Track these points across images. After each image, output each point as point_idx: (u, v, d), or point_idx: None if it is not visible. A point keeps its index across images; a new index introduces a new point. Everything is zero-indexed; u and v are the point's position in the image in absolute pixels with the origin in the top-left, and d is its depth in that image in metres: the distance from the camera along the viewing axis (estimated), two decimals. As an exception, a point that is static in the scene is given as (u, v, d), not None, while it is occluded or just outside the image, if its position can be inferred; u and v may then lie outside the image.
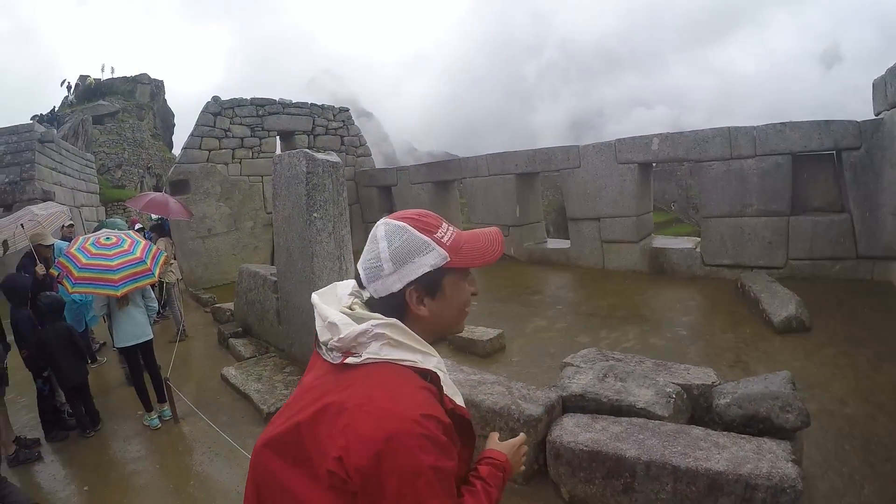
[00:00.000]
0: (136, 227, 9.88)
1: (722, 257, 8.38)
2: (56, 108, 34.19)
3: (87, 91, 37.55)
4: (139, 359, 5.73)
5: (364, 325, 1.27)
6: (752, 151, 7.87)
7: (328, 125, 14.80)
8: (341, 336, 1.27)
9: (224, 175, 12.93)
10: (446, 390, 1.34)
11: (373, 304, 1.38)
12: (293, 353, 6.49)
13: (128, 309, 5.52)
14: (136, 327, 5.60)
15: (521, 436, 1.71)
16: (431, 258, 1.33)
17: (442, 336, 1.51)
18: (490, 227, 1.55)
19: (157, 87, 40.53)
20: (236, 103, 13.29)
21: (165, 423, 5.67)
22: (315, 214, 5.35)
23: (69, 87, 39.10)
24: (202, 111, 12.96)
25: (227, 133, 13.06)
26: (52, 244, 6.42)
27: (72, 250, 5.52)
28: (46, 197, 13.24)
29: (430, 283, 1.34)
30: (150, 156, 33.02)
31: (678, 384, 4.05)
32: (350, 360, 1.27)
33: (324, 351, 1.35)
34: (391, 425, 1.15)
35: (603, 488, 3.37)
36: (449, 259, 1.34)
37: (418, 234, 1.33)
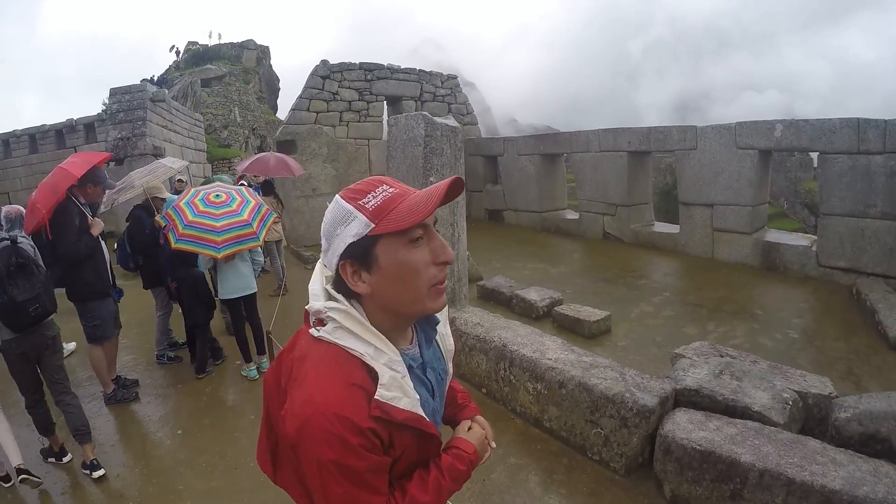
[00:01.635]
0: (241, 183, 10.04)
1: (838, 259, 7.71)
2: (165, 73, 35.65)
3: (195, 56, 39.03)
4: (242, 311, 5.84)
5: (319, 305, 1.30)
6: (882, 147, 7.09)
7: (436, 92, 14.74)
8: (307, 307, 1.34)
9: (331, 137, 13.10)
10: (385, 394, 1.25)
11: (335, 285, 1.35)
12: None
13: (234, 262, 5.58)
14: (240, 280, 5.68)
15: (486, 426, 1.67)
16: (354, 227, 1.25)
17: (408, 317, 1.38)
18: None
19: (262, 53, 41.66)
20: (345, 67, 13.37)
21: (263, 374, 5.67)
22: (431, 178, 5.19)
23: (178, 53, 40.99)
24: (311, 74, 13.12)
25: (336, 96, 13.21)
26: (166, 197, 6.50)
27: (180, 203, 5.52)
28: (157, 153, 13.77)
29: (360, 255, 1.27)
30: (256, 118, 34.02)
31: (794, 390, 3.77)
32: (312, 330, 1.31)
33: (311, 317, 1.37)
34: (307, 412, 1.19)
35: (710, 491, 3.21)
36: (372, 225, 1.24)
37: (344, 203, 1.28)
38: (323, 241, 1.33)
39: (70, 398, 4.33)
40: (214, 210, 5.42)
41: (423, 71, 14.62)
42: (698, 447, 3.22)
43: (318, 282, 1.36)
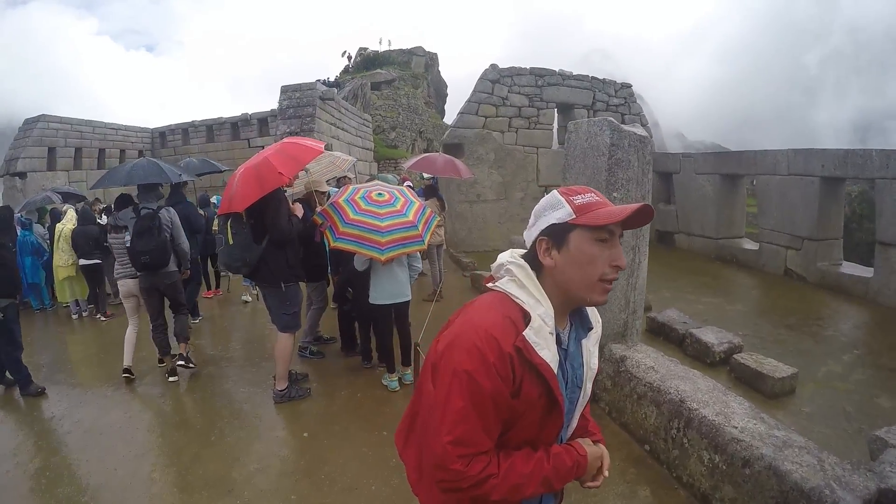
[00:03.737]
0: (406, 184, 9.99)
1: None
2: (337, 76, 37.43)
3: (366, 61, 40.89)
4: (392, 318, 5.55)
5: (502, 259, 1.58)
6: None
7: (608, 101, 14.10)
8: (492, 265, 1.63)
9: (499, 143, 12.93)
10: (531, 336, 1.40)
11: (526, 255, 1.56)
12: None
13: (391, 266, 5.24)
14: (396, 286, 5.37)
15: (607, 455, 1.72)
16: (559, 213, 1.46)
17: (573, 299, 1.52)
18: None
19: (431, 59, 43.07)
20: (515, 72, 13.08)
21: (405, 386, 5.51)
22: (615, 194, 4.61)
23: (349, 58, 43.29)
24: (480, 78, 12.94)
25: (505, 101, 12.97)
26: (328, 191, 6.36)
27: (339, 200, 5.28)
28: (325, 149, 13.96)
29: (556, 236, 1.46)
30: (423, 121, 34.79)
31: None
32: (489, 284, 1.59)
33: None
34: (464, 329, 1.43)
35: None
36: (574, 216, 1.44)
37: (558, 195, 1.49)
38: (531, 218, 1.54)
39: (182, 316, 6.06)
40: (377, 209, 5.17)
41: (596, 78, 14.02)
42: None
43: (505, 254, 1.60)
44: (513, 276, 1.50)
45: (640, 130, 4.79)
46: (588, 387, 1.66)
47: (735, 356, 5.80)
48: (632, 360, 4.61)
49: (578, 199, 1.46)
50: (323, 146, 5.49)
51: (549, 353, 1.43)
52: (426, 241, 5.30)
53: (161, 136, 25.62)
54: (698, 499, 3.69)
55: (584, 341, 1.64)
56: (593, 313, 1.69)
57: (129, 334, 5.96)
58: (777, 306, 8.53)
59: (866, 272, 9.07)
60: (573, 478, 1.59)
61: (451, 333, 1.45)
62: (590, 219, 1.43)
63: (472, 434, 1.38)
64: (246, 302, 9.29)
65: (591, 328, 1.66)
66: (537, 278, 1.50)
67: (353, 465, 4.16)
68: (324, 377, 5.85)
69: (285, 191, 5.21)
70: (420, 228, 5.21)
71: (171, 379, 5.86)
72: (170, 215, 5.83)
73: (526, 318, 1.43)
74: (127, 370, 5.89)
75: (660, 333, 6.85)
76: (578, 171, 5.00)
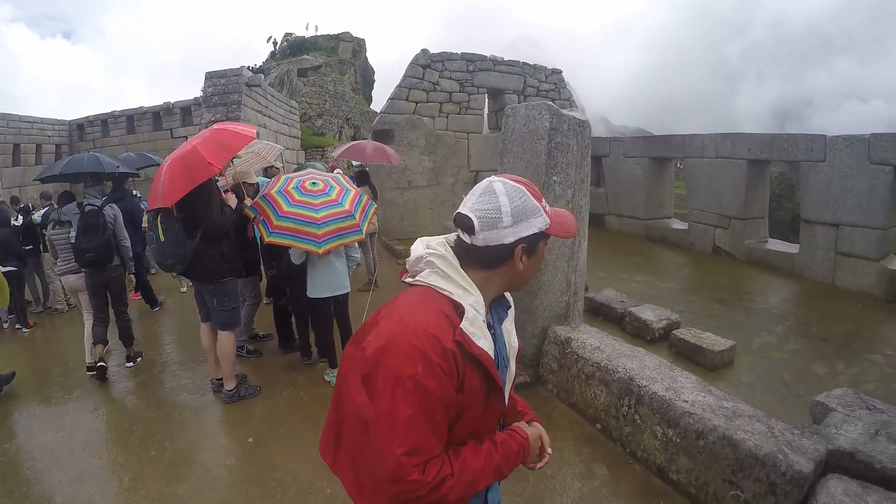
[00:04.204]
0: (336, 171, 9.78)
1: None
2: (263, 63, 36.62)
3: (292, 46, 40.13)
4: (331, 311, 5.38)
5: (421, 252, 1.54)
6: None
7: (539, 86, 14.11)
8: (407, 259, 1.60)
9: (429, 128, 12.79)
10: (468, 327, 1.39)
11: (468, 250, 1.49)
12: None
13: (328, 258, 5.07)
14: (334, 278, 5.18)
15: (545, 433, 1.76)
16: (540, 222, 1.49)
17: (509, 290, 1.64)
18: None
19: (358, 45, 42.50)
20: (446, 57, 12.97)
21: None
22: (555, 178, 4.60)
23: (275, 43, 42.45)
24: (411, 63, 12.77)
25: (436, 86, 12.83)
26: (257, 182, 6.13)
27: (272, 192, 5.04)
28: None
29: (532, 244, 1.50)
30: (350, 108, 34.33)
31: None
32: (406, 278, 1.57)
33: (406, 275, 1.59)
34: (397, 330, 1.38)
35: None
36: (549, 226, 1.51)
37: (532, 199, 1.49)
38: (507, 218, 1.45)
39: (124, 317, 6.08)
40: (312, 199, 4.93)
41: (527, 64, 14.01)
42: (858, 530, 2.61)
43: (421, 244, 1.58)
44: (434, 267, 1.49)
45: (579, 115, 4.79)
46: (513, 364, 1.69)
47: (674, 332, 5.94)
48: (577, 342, 4.64)
49: (546, 206, 1.53)
50: (255, 131, 5.19)
51: (486, 342, 1.44)
52: (364, 231, 5.12)
53: (79, 129, 24.30)
54: (654, 472, 3.76)
55: (505, 322, 1.67)
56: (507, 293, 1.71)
57: (88, 330, 5.91)
58: (708, 283, 8.76)
59: (792, 248, 9.48)
60: (520, 462, 1.62)
61: (383, 337, 1.39)
62: (560, 231, 1.54)
63: (424, 441, 1.34)
64: (183, 291, 9.15)
65: (509, 307, 1.71)
66: (485, 274, 1.51)
67: (305, 468, 3.97)
68: (263, 377, 5.58)
69: (217, 181, 4.93)
70: (357, 217, 5.01)
71: (128, 365, 6.03)
72: (113, 212, 5.84)
73: (457, 309, 1.43)
74: (90, 367, 5.79)
75: (598, 313, 6.92)
76: (516, 156, 4.98)
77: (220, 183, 5.37)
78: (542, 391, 4.94)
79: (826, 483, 2.93)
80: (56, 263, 6.12)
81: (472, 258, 1.49)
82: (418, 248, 1.56)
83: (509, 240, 1.46)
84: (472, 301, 1.45)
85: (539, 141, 4.68)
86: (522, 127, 4.89)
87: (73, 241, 5.62)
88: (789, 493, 2.96)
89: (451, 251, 1.53)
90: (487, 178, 1.52)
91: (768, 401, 4.85)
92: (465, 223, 1.48)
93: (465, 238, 1.49)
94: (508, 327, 1.68)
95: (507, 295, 1.70)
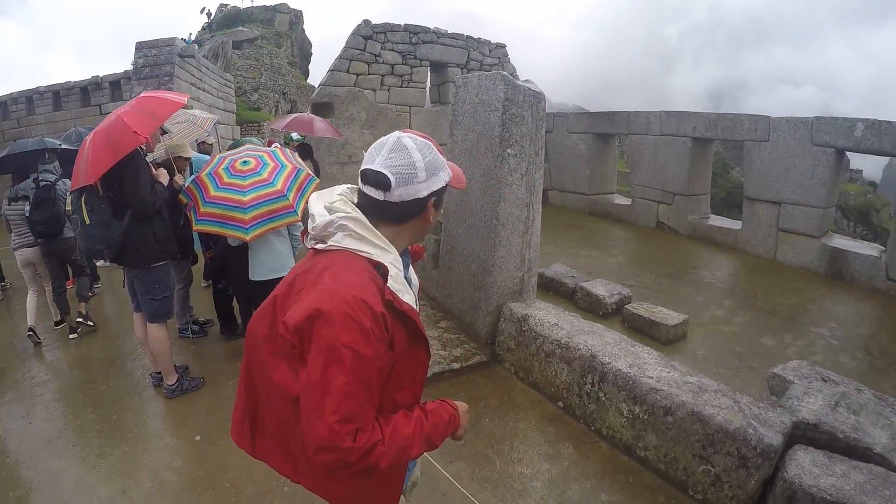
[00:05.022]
0: (274, 146, 9.27)
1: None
2: (197, 35, 35.43)
3: (227, 18, 38.92)
4: None
5: (330, 217, 1.47)
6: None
7: (483, 60, 13.95)
8: (314, 225, 1.51)
9: (371, 101, 12.45)
10: (394, 285, 1.42)
11: (379, 207, 1.47)
12: (449, 305, 5.59)
13: (267, 237, 4.62)
14: (276, 259, 4.75)
15: (466, 406, 1.73)
16: (446, 175, 1.54)
17: (416, 242, 1.68)
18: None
19: (295, 17, 41.48)
20: (389, 28, 12.65)
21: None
22: (509, 150, 4.42)
23: (209, 14, 41.22)
24: (352, 33, 12.41)
25: (378, 58, 12.52)
26: (191, 157, 5.61)
27: (202, 176, 4.57)
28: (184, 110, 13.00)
29: (440, 196, 1.54)
30: (286, 82, 33.47)
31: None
32: (318, 245, 1.50)
33: (308, 238, 1.57)
34: (325, 298, 1.33)
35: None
36: (449, 179, 1.56)
37: (438, 153, 1.52)
38: (421, 173, 1.45)
39: (83, 277, 6.38)
40: (241, 181, 4.45)
41: (471, 37, 13.78)
42: (829, 498, 2.68)
43: (317, 206, 1.54)
44: (348, 230, 1.45)
45: (534, 86, 4.62)
46: (418, 302, 1.70)
47: (627, 307, 5.94)
48: (534, 319, 4.51)
49: (447, 160, 1.58)
50: (186, 98, 4.65)
51: (410, 297, 1.48)
52: (300, 211, 4.57)
53: (2, 107, 22.89)
54: (621, 449, 3.72)
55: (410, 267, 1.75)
56: None
57: (30, 300, 6.10)
58: (655, 257, 8.84)
59: (734, 224, 9.76)
60: (450, 433, 1.62)
61: (310, 307, 1.34)
62: (457, 183, 1.62)
63: (358, 409, 1.33)
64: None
65: (408, 253, 1.79)
66: (397, 229, 1.52)
67: (259, 466, 3.38)
68: (206, 366, 5.12)
69: (145, 154, 4.43)
70: (291, 198, 4.52)
71: (71, 336, 5.94)
72: (66, 186, 5.76)
73: (378, 268, 1.43)
74: (31, 330, 5.87)
75: (549, 288, 6.83)
76: (468, 128, 4.80)
77: (151, 157, 4.93)
78: (500, 370, 4.80)
79: (794, 454, 2.97)
80: (12, 239, 6.11)
81: (385, 214, 1.48)
82: (320, 209, 1.53)
83: (423, 194, 1.47)
84: (392, 259, 1.46)
85: (493, 112, 4.50)
86: (475, 98, 4.71)
87: (27, 214, 5.71)
88: (760, 466, 2.99)
89: (358, 209, 1.50)
90: (393, 134, 1.50)
91: (724, 373, 4.89)
92: (379, 180, 1.44)
93: (377, 195, 1.45)
94: (410, 274, 1.74)
95: None
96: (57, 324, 6.16)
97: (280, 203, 4.45)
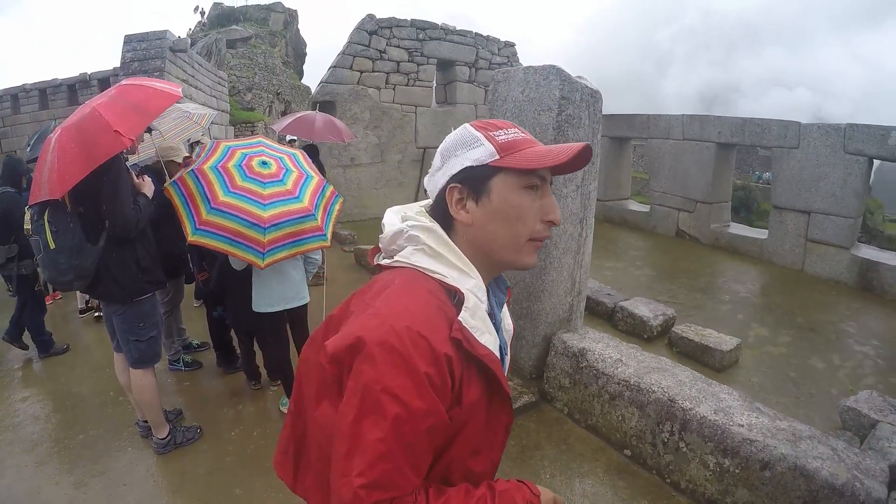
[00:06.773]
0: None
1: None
2: (190, 34, 35.18)
3: (221, 16, 38.80)
4: (285, 327, 4.10)
5: (399, 226, 1.16)
6: None
7: (492, 59, 13.34)
8: (381, 236, 1.22)
9: (375, 100, 11.88)
10: (469, 320, 1.04)
11: (432, 209, 1.19)
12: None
13: (281, 263, 3.64)
14: (287, 287, 3.89)
15: (560, 500, 1.24)
16: (478, 153, 1.10)
17: (496, 262, 1.16)
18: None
19: (290, 16, 41.27)
20: (395, 23, 12.03)
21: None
22: (565, 159, 3.89)
23: (202, 13, 40.56)
24: (356, 28, 11.78)
25: (383, 55, 11.90)
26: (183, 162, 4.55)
27: (205, 167, 3.51)
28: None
29: (473, 182, 1.11)
30: (281, 82, 33.12)
31: None
32: (383, 260, 1.20)
33: (378, 256, 1.24)
34: (372, 325, 0.98)
35: None
36: (497, 157, 1.09)
37: (473, 130, 1.13)
38: (437, 159, 1.18)
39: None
40: (259, 187, 3.44)
41: (480, 35, 13.21)
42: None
43: (390, 216, 1.22)
44: (419, 244, 1.12)
45: (589, 82, 4.05)
46: (509, 354, 1.36)
47: (674, 329, 5.52)
48: (594, 354, 3.94)
49: (501, 136, 1.12)
50: (180, 90, 3.54)
51: (490, 338, 1.10)
52: (329, 235, 3.67)
53: (-13, 106, 22.17)
54: None
55: (504, 306, 1.34)
56: None
57: None
58: (681, 268, 8.43)
59: (760, 234, 9.40)
60: None
61: (352, 335, 0.99)
62: (519, 160, 1.09)
63: (394, 475, 0.95)
64: None
65: (508, 286, 1.35)
66: (466, 248, 1.16)
67: None
68: (203, 410, 4.32)
69: (126, 158, 3.54)
70: (319, 217, 3.58)
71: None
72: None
73: (453, 296, 1.08)
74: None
75: (586, 308, 6.26)
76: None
77: (133, 161, 4.14)
78: (550, 411, 4.19)
79: None
80: None
81: (434, 216, 1.18)
82: (393, 219, 1.21)
83: (441, 183, 1.16)
84: (472, 285, 1.10)
85: (545, 112, 3.94)
86: (520, 95, 4.14)
87: None
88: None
89: (436, 222, 1.16)
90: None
91: (785, 403, 4.56)
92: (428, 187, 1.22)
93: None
94: (506, 308, 1.37)
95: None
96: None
97: (308, 223, 3.50)
